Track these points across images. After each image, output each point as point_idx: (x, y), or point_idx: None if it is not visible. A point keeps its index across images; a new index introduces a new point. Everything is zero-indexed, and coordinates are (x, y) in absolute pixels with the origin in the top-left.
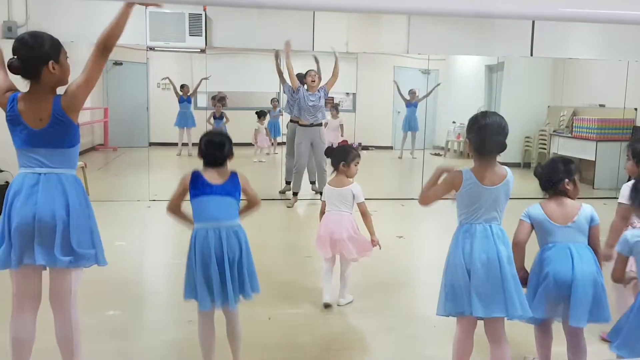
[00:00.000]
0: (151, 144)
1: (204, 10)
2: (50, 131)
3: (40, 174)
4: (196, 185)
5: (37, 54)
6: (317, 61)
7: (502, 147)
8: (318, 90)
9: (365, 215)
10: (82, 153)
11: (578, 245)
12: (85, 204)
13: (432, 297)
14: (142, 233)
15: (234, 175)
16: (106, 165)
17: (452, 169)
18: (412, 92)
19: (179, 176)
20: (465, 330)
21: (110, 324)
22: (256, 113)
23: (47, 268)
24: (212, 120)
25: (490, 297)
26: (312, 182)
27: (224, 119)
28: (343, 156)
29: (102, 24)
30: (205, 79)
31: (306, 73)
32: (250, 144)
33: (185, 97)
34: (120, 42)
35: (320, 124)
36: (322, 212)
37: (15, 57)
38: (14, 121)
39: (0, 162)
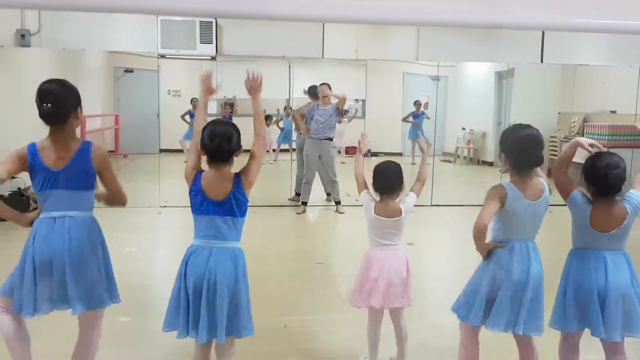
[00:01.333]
0: (162, 151)
1: (215, 18)
2: (71, 171)
3: (55, 217)
4: (196, 195)
5: (70, 100)
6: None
7: (541, 160)
8: (330, 106)
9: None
10: None
11: (614, 253)
12: (101, 244)
13: (443, 304)
14: (153, 239)
15: (238, 183)
16: (117, 172)
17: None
18: (417, 104)
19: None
20: (470, 334)
21: (120, 330)
22: (266, 119)
23: None
24: None
25: (519, 316)
26: (328, 194)
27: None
28: (401, 179)
29: (113, 32)
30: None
31: (319, 86)
32: None
33: (194, 111)
34: (131, 50)
35: (330, 139)
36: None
37: (49, 104)
38: (35, 167)
39: None
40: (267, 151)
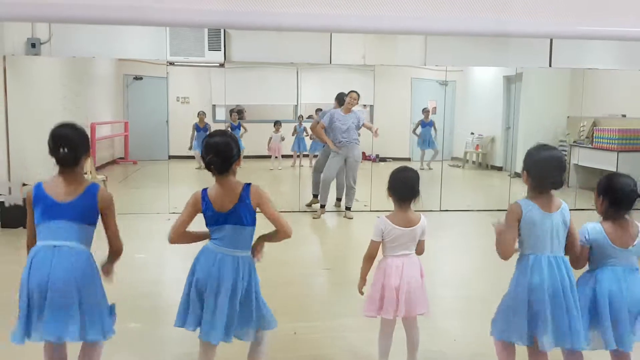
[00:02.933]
0: (171, 157)
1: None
2: (77, 204)
3: (55, 246)
4: (206, 211)
5: (83, 144)
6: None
7: (559, 184)
8: (353, 113)
9: (421, 253)
10: (102, 166)
11: (630, 268)
12: (99, 279)
13: (451, 311)
14: (162, 246)
15: (245, 193)
16: (126, 179)
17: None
18: (425, 111)
19: (199, 189)
20: (507, 347)
21: (130, 336)
22: (274, 124)
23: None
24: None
25: (558, 331)
26: (339, 199)
27: (242, 129)
28: (418, 187)
29: (122, 40)
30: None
31: (348, 93)
32: (269, 156)
33: (201, 126)
34: (140, 57)
35: (356, 143)
36: (371, 257)
37: (66, 149)
38: (38, 198)
39: (24, 177)
40: (276, 157)
